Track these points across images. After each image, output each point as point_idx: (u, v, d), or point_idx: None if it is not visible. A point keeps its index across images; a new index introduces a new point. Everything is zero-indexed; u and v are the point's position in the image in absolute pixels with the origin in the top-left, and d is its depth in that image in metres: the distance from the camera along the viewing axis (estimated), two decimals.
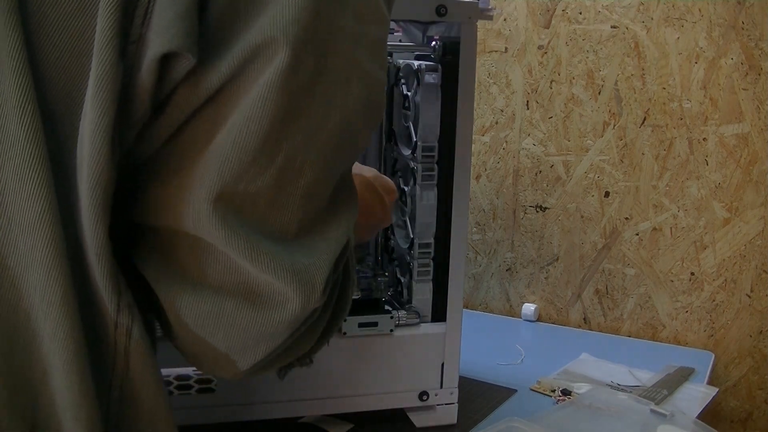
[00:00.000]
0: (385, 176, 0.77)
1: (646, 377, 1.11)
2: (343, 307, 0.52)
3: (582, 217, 1.36)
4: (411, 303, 0.89)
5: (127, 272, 0.43)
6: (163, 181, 0.42)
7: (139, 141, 0.40)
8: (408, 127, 0.88)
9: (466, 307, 1.42)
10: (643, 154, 1.29)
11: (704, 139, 1.24)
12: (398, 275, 0.94)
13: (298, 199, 0.43)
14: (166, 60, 0.38)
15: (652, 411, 0.92)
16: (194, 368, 0.81)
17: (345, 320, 0.82)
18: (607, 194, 1.33)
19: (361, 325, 0.85)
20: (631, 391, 1.03)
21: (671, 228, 1.29)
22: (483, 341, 1.28)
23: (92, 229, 0.39)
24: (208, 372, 0.49)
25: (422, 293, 0.89)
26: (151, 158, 0.42)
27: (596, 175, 1.34)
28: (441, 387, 0.89)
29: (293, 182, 0.43)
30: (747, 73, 1.20)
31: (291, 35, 0.39)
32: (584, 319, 1.39)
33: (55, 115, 0.39)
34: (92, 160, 0.38)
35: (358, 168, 0.75)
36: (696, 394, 1.06)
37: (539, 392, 1.05)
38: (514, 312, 1.45)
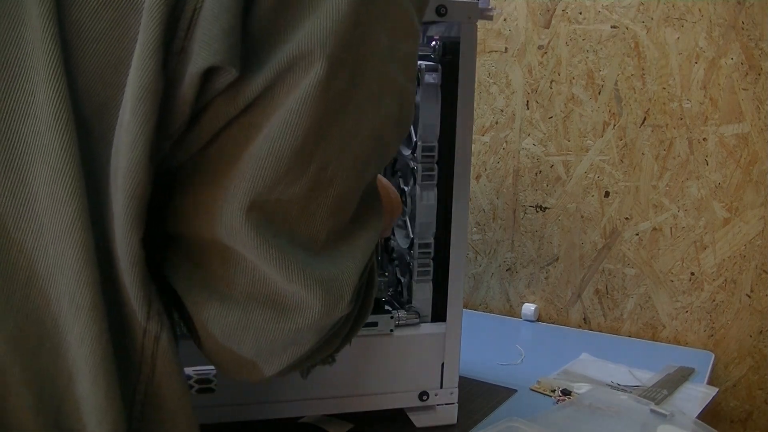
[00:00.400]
0: (394, 190, 0.78)
1: (646, 377, 1.11)
2: (366, 309, 0.53)
3: (582, 217, 1.36)
4: (411, 303, 0.89)
5: (156, 279, 0.43)
6: (196, 189, 0.42)
7: (175, 149, 0.41)
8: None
9: (466, 307, 1.42)
10: (643, 154, 1.29)
11: (704, 139, 1.24)
12: (398, 275, 0.94)
13: (329, 208, 0.44)
14: (208, 72, 0.38)
15: (652, 411, 0.92)
16: (194, 368, 0.81)
17: None
18: (607, 194, 1.33)
19: None
20: (631, 391, 1.03)
21: (671, 228, 1.29)
22: (483, 341, 1.28)
23: (126, 237, 0.39)
24: (233, 377, 0.49)
25: (422, 293, 0.89)
26: (185, 166, 0.42)
27: (596, 175, 1.34)
28: (441, 387, 0.89)
29: (324, 192, 0.43)
30: (747, 73, 1.20)
31: (327, 48, 0.39)
32: (584, 319, 1.39)
33: (88, 123, 0.39)
34: (129, 170, 0.38)
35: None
36: (696, 394, 1.06)
37: (539, 392, 1.05)
38: (514, 312, 1.45)
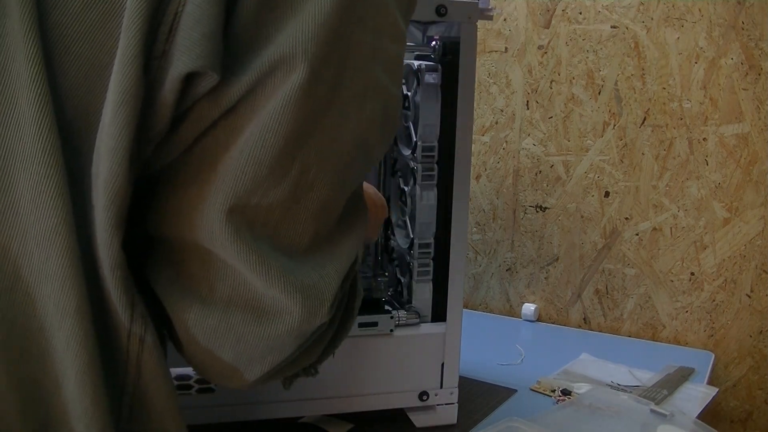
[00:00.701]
0: (379, 193, 0.77)
1: (646, 377, 1.11)
2: (349, 319, 0.52)
3: (582, 217, 1.36)
4: (411, 303, 0.89)
5: (138, 282, 0.43)
6: (178, 192, 0.42)
7: (156, 152, 0.41)
8: (408, 127, 0.88)
9: (466, 307, 1.42)
10: (643, 154, 1.29)
11: (704, 139, 1.24)
12: (398, 275, 0.94)
13: (311, 213, 0.43)
14: (189, 77, 0.38)
15: (652, 411, 0.92)
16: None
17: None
18: (607, 194, 1.33)
19: (361, 325, 0.85)
20: (631, 391, 1.03)
21: (671, 228, 1.29)
22: (483, 341, 1.28)
23: (107, 242, 0.39)
24: (215, 382, 0.50)
25: (422, 293, 0.89)
26: (167, 169, 0.42)
27: (596, 175, 1.34)
28: (441, 387, 0.89)
29: (306, 196, 0.43)
30: (747, 73, 1.20)
31: (310, 51, 0.39)
32: (584, 319, 1.39)
33: (72, 127, 0.39)
34: (110, 174, 0.38)
35: None
36: (696, 394, 1.06)
37: (539, 392, 1.05)
38: (514, 312, 1.45)
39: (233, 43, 0.39)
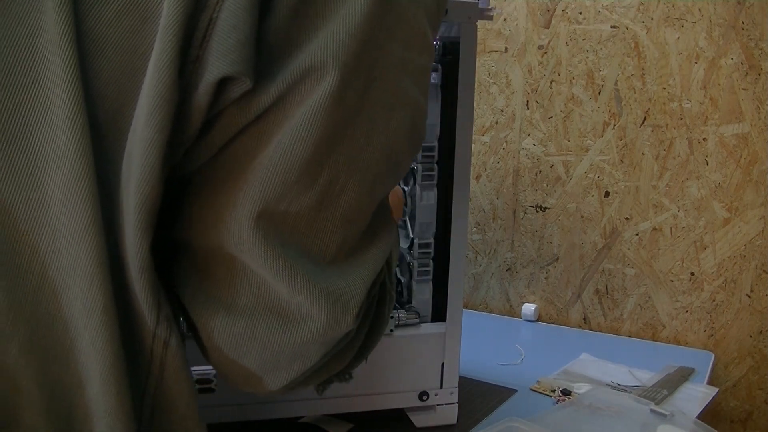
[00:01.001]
0: (399, 189, 0.77)
1: (646, 377, 1.11)
2: (381, 325, 0.52)
3: (582, 217, 1.36)
4: (411, 303, 0.89)
5: (165, 286, 0.43)
6: (206, 197, 0.42)
7: (186, 157, 0.41)
8: None
9: (466, 307, 1.42)
10: (643, 154, 1.29)
11: (704, 139, 1.24)
12: (398, 275, 0.94)
13: (338, 221, 0.44)
14: (222, 82, 0.38)
15: (652, 411, 0.92)
16: (194, 368, 0.81)
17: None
18: (607, 194, 1.33)
19: None
20: (631, 391, 1.03)
21: (671, 228, 1.29)
22: (483, 341, 1.28)
23: (136, 244, 0.40)
24: (241, 388, 0.50)
25: (422, 293, 0.89)
26: (195, 174, 0.42)
27: (596, 175, 1.34)
28: (441, 387, 0.89)
29: (334, 204, 0.43)
30: (747, 73, 1.20)
31: (340, 60, 0.39)
32: (584, 319, 1.39)
33: (102, 130, 0.39)
34: (142, 177, 0.38)
35: None
36: (696, 394, 1.06)
37: (539, 392, 1.05)
38: (514, 312, 1.45)
39: (265, 50, 0.39)
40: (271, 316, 0.44)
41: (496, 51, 1.39)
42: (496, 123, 1.41)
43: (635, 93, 1.29)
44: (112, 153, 0.40)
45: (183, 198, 0.43)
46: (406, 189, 0.90)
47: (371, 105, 0.42)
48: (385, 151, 0.44)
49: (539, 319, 1.42)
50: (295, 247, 0.42)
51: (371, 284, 0.47)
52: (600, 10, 1.29)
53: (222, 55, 0.38)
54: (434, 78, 0.83)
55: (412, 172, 0.88)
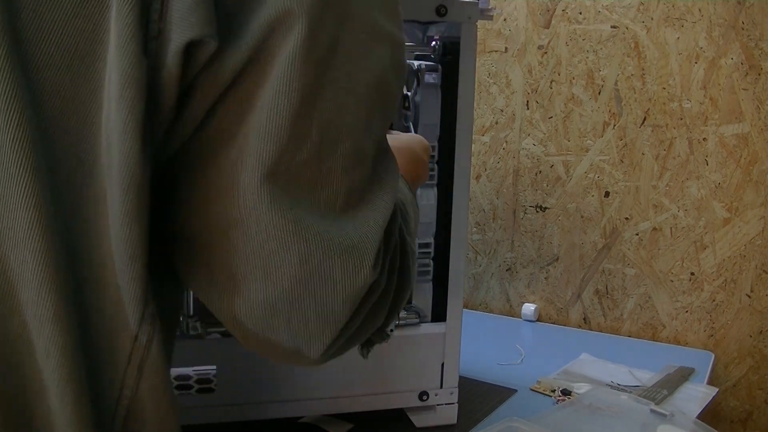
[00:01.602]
0: (419, 136, 0.75)
1: (646, 377, 1.11)
2: (407, 279, 0.51)
3: (582, 217, 1.36)
4: (411, 303, 0.89)
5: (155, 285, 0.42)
6: (202, 176, 0.41)
7: (169, 136, 0.40)
8: (408, 127, 0.88)
9: (466, 307, 1.42)
10: (643, 154, 1.29)
11: (704, 139, 1.24)
12: None
13: (341, 168, 0.42)
14: (188, 48, 0.37)
15: (652, 411, 0.92)
16: (194, 368, 0.81)
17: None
18: (607, 194, 1.33)
19: None
20: (631, 391, 1.03)
21: (671, 228, 1.29)
22: (483, 341, 1.28)
23: (123, 232, 0.38)
24: (287, 363, 0.48)
25: (422, 293, 0.89)
26: (186, 154, 0.41)
27: (596, 175, 1.34)
28: (441, 387, 0.89)
29: (333, 151, 0.42)
30: (747, 73, 1.20)
31: (305, 4, 0.39)
32: (584, 319, 1.39)
33: (57, 120, 0.38)
34: (123, 161, 0.37)
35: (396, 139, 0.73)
36: (696, 394, 1.06)
37: (539, 392, 1.05)
38: (514, 312, 1.45)
39: (226, 8, 0.39)
40: (288, 286, 0.42)
41: (496, 51, 1.39)
42: (496, 123, 1.41)
43: (635, 93, 1.29)
44: (70, 143, 0.38)
45: (177, 183, 0.42)
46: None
47: (347, 44, 0.41)
48: (371, 88, 0.43)
49: (539, 319, 1.42)
50: (304, 205, 0.41)
51: (386, 234, 0.45)
52: (600, 10, 1.29)
53: (180, 21, 0.37)
54: (434, 78, 0.83)
55: None
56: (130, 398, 0.41)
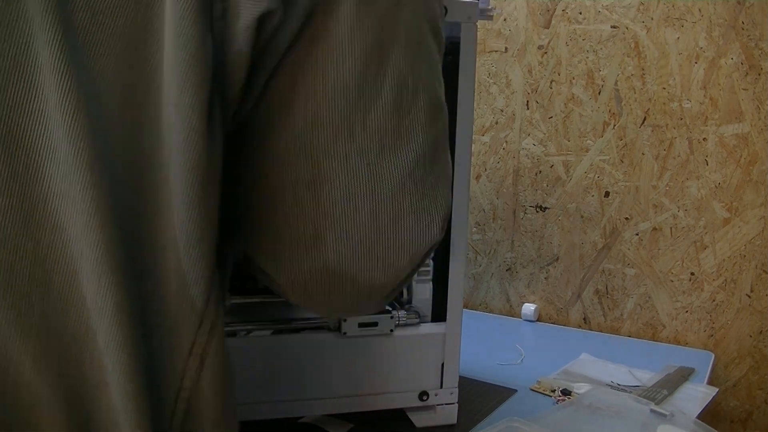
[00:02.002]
0: None
1: (646, 377, 1.11)
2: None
3: (582, 217, 1.36)
4: (411, 303, 0.89)
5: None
6: (273, 136, 0.41)
7: (238, 110, 0.40)
8: None
9: (466, 307, 1.42)
10: (643, 154, 1.29)
11: (704, 139, 1.24)
12: None
13: (421, 123, 0.42)
14: (259, 21, 0.37)
15: (652, 411, 0.92)
16: None
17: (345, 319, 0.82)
18: (607, 194, 1.33)
19: (360, 325, 0.85)
20: (631, 391, 1.03)
21: (671, 228, 1.29)
22: (483, 341, 1.28)
23: (188, 213, 0.38)
24: (347, 315, 0.48)
25: (422, 293, 0.89)
26: (250, 121, 0.41)
27: (596, 175, 1.34)
28: (441, 387, 0.89)
29: (414, 105, 0.41)
30: (747, 73, 1.20)
31: None
32: (584, 319, 1.39)
33: (116, 110, 0.37)
34: (187, 141, 0.37)
35: None
36: (696, 394, 1.06)
37: (539, 392, 1.05)
38: (514, 312, 1.45)
39: None
40: (357, 245, 0.42)
41: (496, 51, 1.39)
42: (496, 123, 1.41)
43: (635, 93, 1.29)
44: (125, 131, 0.37)
45: (245, 151, 0.41)
46: None
47: None
48: (431, 32, 0.43)
49: (539, 319, 1.42)
50: (381, 164, 0.41)
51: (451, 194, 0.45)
52: (600, 10, 1.29)
53: None
54: None
55: None
56: (191, 390, 0.40)
